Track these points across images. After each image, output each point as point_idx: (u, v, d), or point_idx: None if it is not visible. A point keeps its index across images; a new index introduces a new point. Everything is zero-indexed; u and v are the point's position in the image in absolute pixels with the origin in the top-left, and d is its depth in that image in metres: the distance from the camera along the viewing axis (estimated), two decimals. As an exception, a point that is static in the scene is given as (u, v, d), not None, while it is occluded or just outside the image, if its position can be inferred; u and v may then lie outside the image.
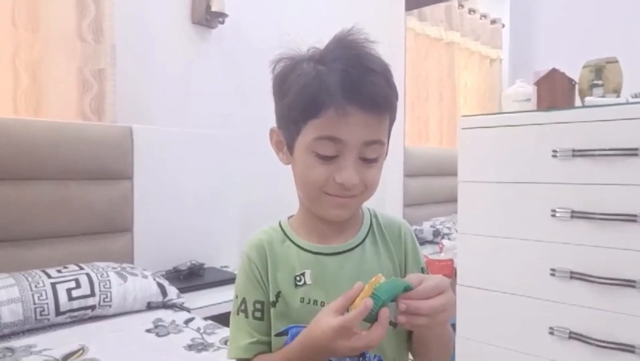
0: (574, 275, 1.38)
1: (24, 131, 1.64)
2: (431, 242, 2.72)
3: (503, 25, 3.96)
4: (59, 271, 1.55)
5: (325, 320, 0.60)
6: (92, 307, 1.51)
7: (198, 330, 1.48)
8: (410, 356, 0.78)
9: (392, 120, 0.71)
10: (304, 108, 0.66)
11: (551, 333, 1.43)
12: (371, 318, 0.57)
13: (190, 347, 1.35)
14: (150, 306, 1.64)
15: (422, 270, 0.78)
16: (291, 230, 0.77)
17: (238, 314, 0.74)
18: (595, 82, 1.52)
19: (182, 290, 1.77)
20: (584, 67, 1.56)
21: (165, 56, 2.14)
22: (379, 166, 0.71)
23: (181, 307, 1.70)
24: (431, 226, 2.82)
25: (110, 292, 1.55)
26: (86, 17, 1.83)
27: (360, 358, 0.70)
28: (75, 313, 1.49)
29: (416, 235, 0.82)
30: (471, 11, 3.38)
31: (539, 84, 1.55)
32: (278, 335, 0.72)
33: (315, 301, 0.71)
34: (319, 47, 0.69)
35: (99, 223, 1.83)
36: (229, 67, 2.37)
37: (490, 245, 1.56)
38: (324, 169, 0.67)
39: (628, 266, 1.30)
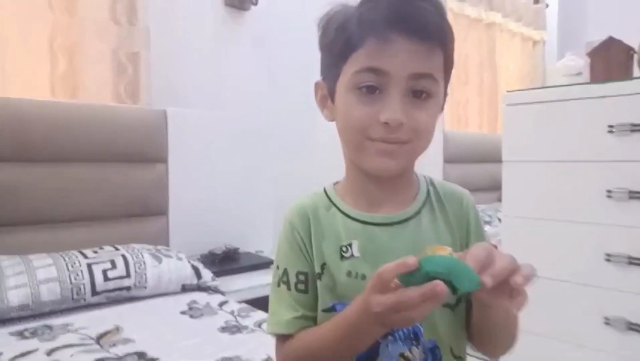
0: (632, 261, 1.30)
1: (61, 114, 1.66)
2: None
3: (547, 5, 3.78)
4: (95, 252, 1.56)
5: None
6: (128, 288, 1.52)
7: (232, 312, 1.47)
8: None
9: (448, 58, 0.63)
10: (344, 42, 0.60)
11: (607, 324, 1.35)
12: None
13: (224, 329, 1.34)
14: (184, 289, 1.64)
15: None
16: (336, 197, 0.69)
17: (279, 286, 0.68)
18: (656, 51, 1.41)
19: (217, 274, 1.76)
20: (644, 35, 1.45)
21: (198, 39, 2.13)
22: (432, 111, 0.62)
23: (215, 290, 1.69)
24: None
25: (146, 274, 1.56)
26: (120, 0, 1.84)
27: (414, 342, 0.64)
28: (111, 294, 1.50)
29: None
30: (513, -11, 3.23)
31: (592, 54, 1.44)
32: (325, 310, 0.66)
33: (364, 276, 0.63)
34: None
35: (135, 206, 1.84)
36: (261, 49, 2.33)
37: (538, 228, 1.48)
38: (366, 109, 0.60)
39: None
